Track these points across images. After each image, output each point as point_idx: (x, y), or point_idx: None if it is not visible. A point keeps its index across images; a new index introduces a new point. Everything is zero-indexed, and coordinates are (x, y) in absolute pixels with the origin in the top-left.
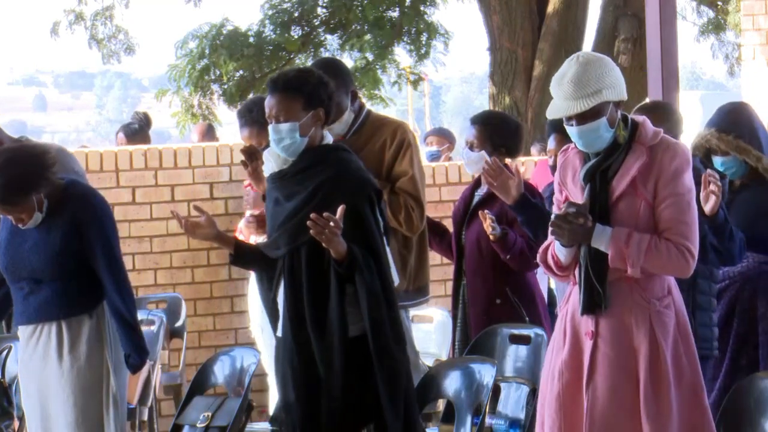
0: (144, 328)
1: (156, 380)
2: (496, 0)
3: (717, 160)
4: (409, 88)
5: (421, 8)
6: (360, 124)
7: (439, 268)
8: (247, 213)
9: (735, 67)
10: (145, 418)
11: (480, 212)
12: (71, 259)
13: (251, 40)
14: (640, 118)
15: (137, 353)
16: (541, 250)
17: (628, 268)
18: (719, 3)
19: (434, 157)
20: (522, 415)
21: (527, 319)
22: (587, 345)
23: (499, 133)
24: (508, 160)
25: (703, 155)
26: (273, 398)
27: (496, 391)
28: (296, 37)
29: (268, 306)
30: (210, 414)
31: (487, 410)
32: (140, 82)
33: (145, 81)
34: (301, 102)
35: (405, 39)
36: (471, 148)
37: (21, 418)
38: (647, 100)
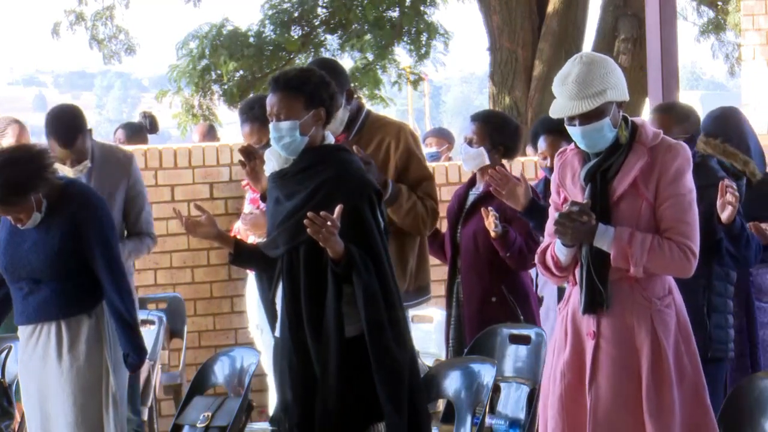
0: (144, 328)
1: (156, 380)
2: (496, 0)
3: None
4: (409, 88)
5: (421, 8)
6: (360, 125)
7: (439, 268)
8: (246, 210)
9: (735, 67)
10: (145, 418)
11: (483, 209)
12: (70, 259)
13: (251, 40)
14: (639, 120)
15: (136, 353)
16: (539, 251)
17: (631, 267)
18: (719, 3)
19: (434, 157)
20: (522, 415)
21: (522, 317)
22: (589, 345)
23: (498, 132)
24: (505, 162)
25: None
26: (273, 398)
27: (496, 391)
28: (296, 37)
29: (267, 306)
30: (210, 414)
31: (487, 410)
32: (140, 83)
33: (145, 81)
34: (302, 101)
35: (405, 39)
36: (470, 144)
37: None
38: (647, 99)
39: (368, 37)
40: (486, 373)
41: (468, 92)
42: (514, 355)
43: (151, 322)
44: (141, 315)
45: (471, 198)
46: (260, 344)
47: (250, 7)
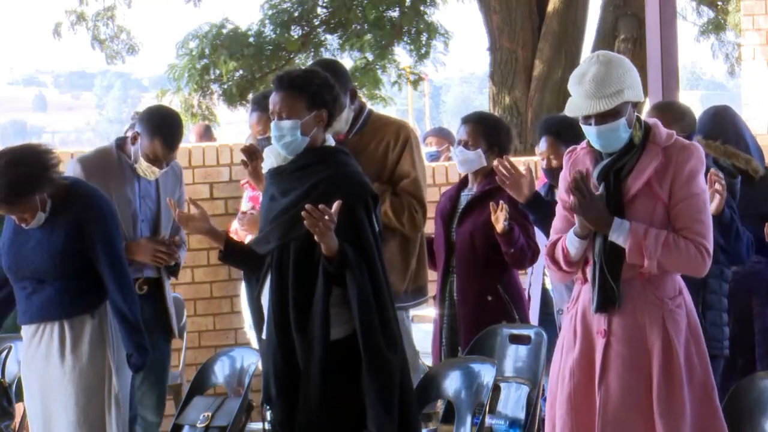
0: None
1: None
2: (496, 0)
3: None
4: (409, 88)
5: (421, 8)
6: (362, 124)
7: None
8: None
9: (735, 67)
10: None
11: (491, 204)
12: (74, 259)
13: (251, 40)
14: (652, 120)
15: (139, 353)
16: (548, 244)
17: (645, 261)
18: (719, 3)
19: (433, 157)
20: (522, 415)
21: (516, 316)
22: (599, 343)
23: (493, 133)
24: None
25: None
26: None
27: (496, 391)
28: (296, 37)
29: (253, 305)
30: (210, 414)
31: (487, 410)
32: (140, 82)
33: (145, 81)
34: (305, 101)
35: (405, 39)
36: (465, 146)
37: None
38: (648, 99)
39: (368, 37)
40: (486, 373)
41: (468, 92)
42: (514, 355)
43: None
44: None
45: (464, 198)
46: (255, 344)
47: (250, 7)
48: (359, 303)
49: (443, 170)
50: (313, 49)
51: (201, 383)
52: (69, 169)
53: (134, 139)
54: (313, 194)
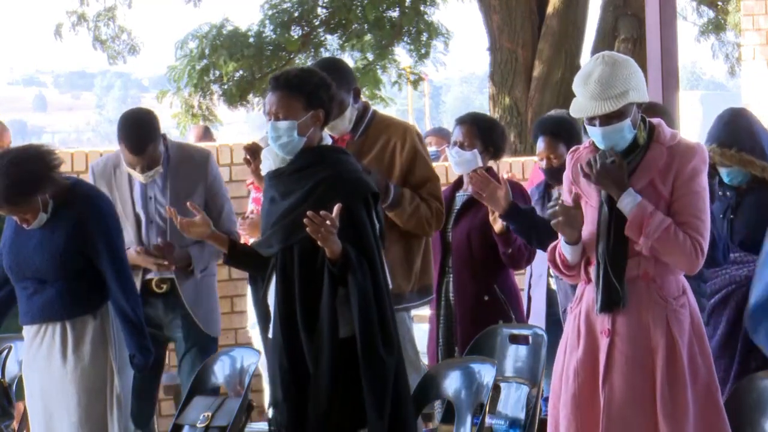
0: None
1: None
2: (496, 0)
3: (723, 171)
4: (409, 88)
5: (421, 8)
6: (366, 125)
7: None
8: (249, 209)
9: (735, 67)
10: None
11: None
12: (75, 260)
13: (251, 40)
14: (656, 121)
15: (142, 353)
16: (549, 249)
17: (642, 238)
18: (719, 3)
19: (434, 157)
20: (522, 415)
21: (513, 316)
22: (603, 343)
23: (487, 133)
24: (491, 163)
25: (710, 167)
26: (268, 398)
27: (496, 391)
28: (296, 37)
29: (258, 306)
30: (210, 414)
31: (487, 410)
32: (140, 83)
33: (145, 81)
34: (302, 101)
35: (405, 39)
36: (462, 147)
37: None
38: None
39: (368, 37)
40: (486, 373)
41: (468, 92)
42: (514, 355)
43: None
44: None
45: (459, 199)
46: (257, 343)
47: (250, 7)
48: (360, 303)
49: (443, 170)
50: (313, 50)
51: (201, 383)
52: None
53: None
54: (313, 196)
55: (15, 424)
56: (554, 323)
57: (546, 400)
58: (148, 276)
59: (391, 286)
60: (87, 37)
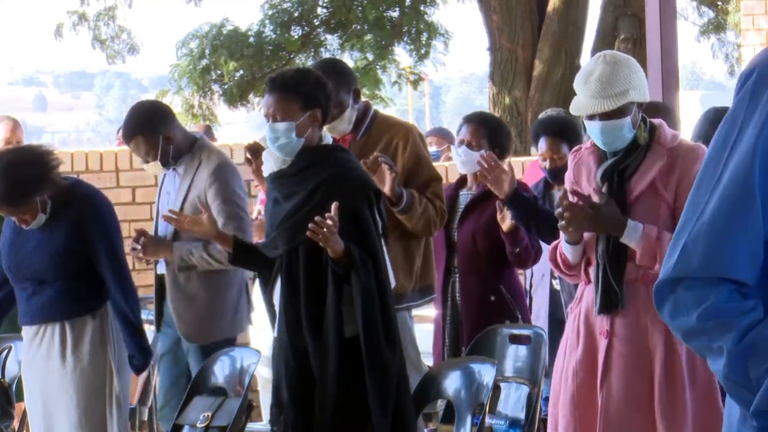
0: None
1: (156, 380)
2: (496, 0)
3: None
4: (409, 88)
5: (421, 8)
6: (368, 126)
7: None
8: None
9: (735, 67)
10: (145, 418)
11: (498, 203)
12: (74, 260)
13: (251, 40)
14: (657, 121)
15: (141, 354)
16: (550, 248)
17: (656, 265)
18: (719, 3)
19: (434, 157)
20: (522, 415)
21: (519, 316)
22: (602, 344)
23: (494, 134)
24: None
25: None
26: (264, 398)
27: (496, 391)
28: (296, 37)
29: (267, 305)
30: (210, 414)
31: (487, 410)
32: (140, 82)
33: (145, 81)
34: (299, 102)
35: (405, 39)
36: (468, 146)
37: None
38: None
39: (368, 37)
40: (486, 373)
41: (468, 92)
42: (514, 355)
43: (151, 322)
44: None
45: (463, 198)
46: (256, 341)
47: (250, 7)
48: (364, 302)
49: (443, 170)
50: (313, 49)
51: (201, 383)
52: None
53: None
54: (315, 197)
55: (15, 424)
56: (557, 324)
57: (546, 400)
58: (159, 271)
59: (394, 285)
60: (87, 37)
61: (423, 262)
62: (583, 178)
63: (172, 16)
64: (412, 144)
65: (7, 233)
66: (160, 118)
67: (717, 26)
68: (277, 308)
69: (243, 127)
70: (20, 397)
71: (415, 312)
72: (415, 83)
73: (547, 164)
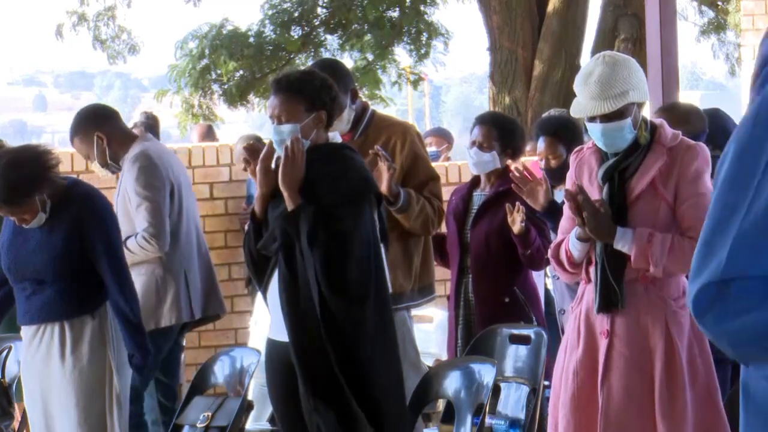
0: None
1: None
2: (496, 0)
3: None
4: (409, 88)
5: (421, 8)
6: (366, 125)
7: (440, 267)
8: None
9: (735, 68)
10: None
11: (507, 205)
12: (74, 260)
13: (251, 40)
14: (658, 121)
15: (141, 353)
16: (552, 246)
17: (651, 267)
18: (719, 3)
19: (433, 157)
20: (522, 415)
21: (533, 317)
22: (602, 344)
23: (507, 135)
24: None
25: None
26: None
27: (496, 391)
28: (296, 37)
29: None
30: (210, 414)
31: (487, 410)
32: (140, 82)
33: (145, 81)
34: (304, 104)
35: (405, 39)
36: (480, 147)
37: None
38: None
39: (368, 37)
40: (486, 373)
41: (468, 92)
42: (514, 355)
43: None
44: None
45: (476, 199)
46: (254, 338)
47: (250, 7)
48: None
49: (443, 170)
50: (313, 50)
51: (201, 383)
52: None
53: None
54: (314, 190)
55: (15, 424)
56: (551, 323)
57: (546, 399)
58: None
59: (391, 290)
60: (87, 37)
61: (422, 262)
62: (585, 177)
63: (172, 16)
64: (409, 143)
65: (6, 233)
66: (92, 119)
67: (717, 26)
68: (269, 306)
69: (243, 127)
70: (20, 397)
71: (414, 312)
72: (415, 83)
73: (543, 164)
